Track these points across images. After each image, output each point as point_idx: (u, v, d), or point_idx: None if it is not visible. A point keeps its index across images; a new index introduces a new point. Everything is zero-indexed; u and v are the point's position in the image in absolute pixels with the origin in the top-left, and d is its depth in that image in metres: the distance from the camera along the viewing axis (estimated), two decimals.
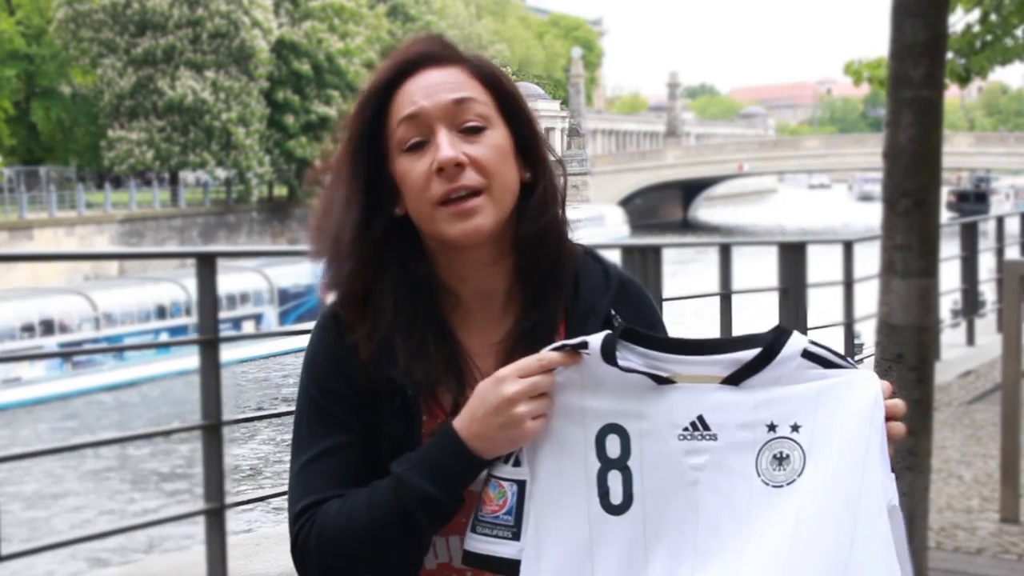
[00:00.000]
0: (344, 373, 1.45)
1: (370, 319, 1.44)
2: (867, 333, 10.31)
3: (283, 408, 4.99)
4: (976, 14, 6.67)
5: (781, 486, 1.28)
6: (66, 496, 14.87)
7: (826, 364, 1.31)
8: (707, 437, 1.29)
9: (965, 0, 6.58)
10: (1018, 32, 6.73)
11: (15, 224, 32.93)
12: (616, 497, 1.30)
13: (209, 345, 4.14)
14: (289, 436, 1.51)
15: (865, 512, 1.27)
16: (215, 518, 4.09)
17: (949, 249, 9.45)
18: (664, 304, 5.50)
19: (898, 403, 1.34)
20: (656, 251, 6.08)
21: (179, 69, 38.57)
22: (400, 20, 47.47)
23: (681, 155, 69.17)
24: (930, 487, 3.14)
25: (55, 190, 35.85)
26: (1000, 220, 11.41)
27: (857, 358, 8.17)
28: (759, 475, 1.29)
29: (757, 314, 8.79)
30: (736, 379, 1.29)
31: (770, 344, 1.29)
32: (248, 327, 24.97)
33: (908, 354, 3.11)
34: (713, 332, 6.62)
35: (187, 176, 43.26)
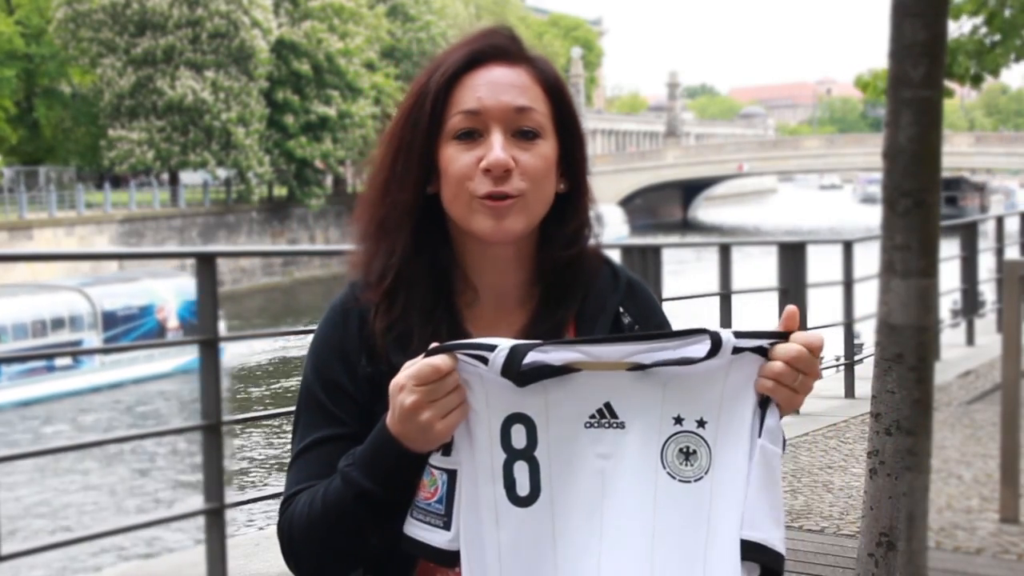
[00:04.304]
0: (346, 364, 1.48)
1: (392, 302, 1.47)
2: (867, 333, 10.33)
3: (284, 408, 4.99)
4: (981, 17, 6.70)
5: (688, 481, 1.29)
6: (65, 496, 14.86)
7: (737, 349, 1.29)
8: (615, 425, 1.29)
9: (969, 4, 6.60)
10: None
11: (15, 224, 32.91)
12: (523, 489, 1.30)
13: (209, 345, 4.14)
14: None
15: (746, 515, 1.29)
16: (215, 518, 4.09)
17: (949, 249, 9.46)
18: (664, 304, 5.50)
19: (780, 369, 1.28)
20: (656, 251, 6.09)
21: (179, 69, 38.54)
22: (400, 20, 47.44)
23: (681, 155, 69.19)
24: (930, 487, 3.14)
25: (55, 190, 35.83)
26: (1000, 220, 11.42)
27: (857, 358, 8.18)
28: (665, 467, 1.29)
29: (757, 314, 8.80)
30: (643, 365, 1.28)
31: (706, 355, 1.28)
32: (64, 358, 21.27)
33: (908, 354, 3.10)
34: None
35: (188, 176, 43.22)
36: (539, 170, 1.44)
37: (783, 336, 1.30)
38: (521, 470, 1.29)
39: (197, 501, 4.69)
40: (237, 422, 4.95)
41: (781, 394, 1.30)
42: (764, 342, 1.29)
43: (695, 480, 1.28)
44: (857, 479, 5.58)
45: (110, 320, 22.53)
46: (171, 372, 22.90)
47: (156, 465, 16.41)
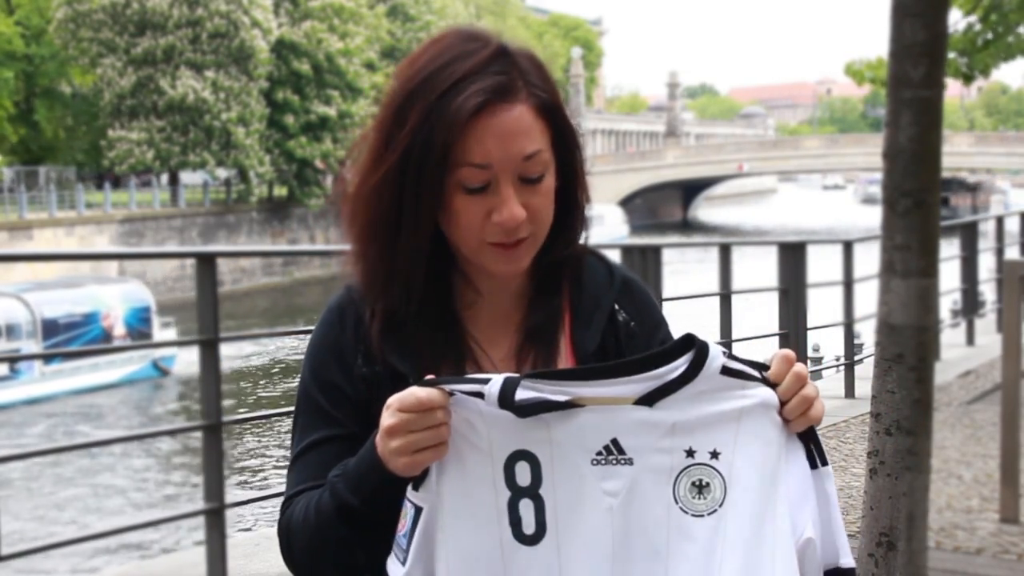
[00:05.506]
0: (343, 365, 1.47)
1: (403, 328, 1.46)
2: (867, 333, 10.32)
3: (283, 408, 4.99)
4: (975, 16, 6.70)
5: (702, 515, 1.26)
6: (64, 496, 14.86)
7: (744, 376, 1.28)
8: (622, 461, 1.26)
9: (964, 2, 6.60)
10: (1020, 29, 6.76)
11: (15, 224, 32.92)
12: (528, 527, 1.27)
13: (209, 345, 4.14)
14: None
15: (780, 549, 1.26)
16: (215, 518, 4.09)
17: (949, 249, 9.46)
18: (664, 304, 5.50)
19: (803, 397, 1.30)
20: (656, 251, 6.09)
21: (179, 69, 38.55)
22: (400, 20, 47.46)
23: (681, 155, 69.19)
24: (930, 487, 3.13)
25: (55, 190, 35.83)
26: (1000, 220, 11.43)
27: (857, 358, 8.18)
28: (677, 502, 1.26)
29: (757, 314, 8.79)
30: (650, 400, 1.26)
31: (687, 369, 1.26)
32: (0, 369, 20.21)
33: (908, 354, 3.10)
34: (712, 333, 6.62)
35: (188, 176, 43.22)
36: (545, 208, 1.43)
37: (764, 367, 1.30)
38: (527, 508, 1.27)
39: (197, 501, 4.69)
40: (237, 422, 4.95)
41: (810, 417, 1.31)
42: (754, 371, 1.29)
43: (708, 514, 1.26)
44: (857, 479, 5.57)
45: (50, 328, 21.22)
46: (118, 382, 22.06)
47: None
